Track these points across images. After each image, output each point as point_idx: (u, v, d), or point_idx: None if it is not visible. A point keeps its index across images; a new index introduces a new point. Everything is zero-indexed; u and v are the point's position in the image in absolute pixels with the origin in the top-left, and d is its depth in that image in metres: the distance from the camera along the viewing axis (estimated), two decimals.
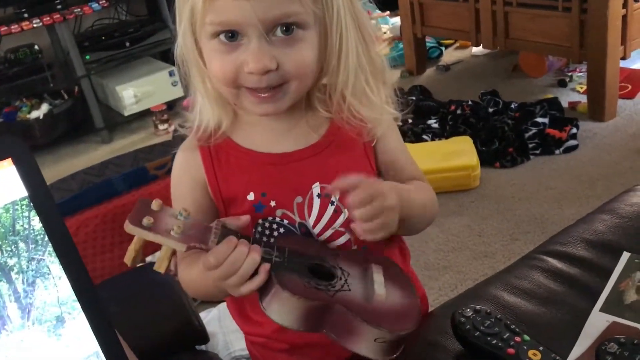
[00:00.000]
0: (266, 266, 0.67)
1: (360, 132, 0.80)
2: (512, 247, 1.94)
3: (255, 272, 0.67)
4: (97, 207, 1.90)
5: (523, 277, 0.88)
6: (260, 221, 0.77)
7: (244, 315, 0.86)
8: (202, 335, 1.15)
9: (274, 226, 0.77)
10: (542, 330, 0.78)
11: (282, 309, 0.67)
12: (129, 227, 0.65)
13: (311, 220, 0.79)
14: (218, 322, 1.66)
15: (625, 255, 0.87)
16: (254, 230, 0.77)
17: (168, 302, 1.16)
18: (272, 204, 0.77)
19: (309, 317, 0.68)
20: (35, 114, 3.05)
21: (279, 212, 0.78)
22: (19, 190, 0.65)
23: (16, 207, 0.65)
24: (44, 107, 3.08)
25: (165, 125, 3.18)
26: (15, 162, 0.65)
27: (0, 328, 0.63)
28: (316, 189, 0.78)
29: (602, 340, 0.73)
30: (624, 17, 2.36)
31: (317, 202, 0.78)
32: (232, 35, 0.69)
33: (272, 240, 0.75)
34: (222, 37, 0.69)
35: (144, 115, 3.28)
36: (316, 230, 0.79)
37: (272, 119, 0.78)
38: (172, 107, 3.33)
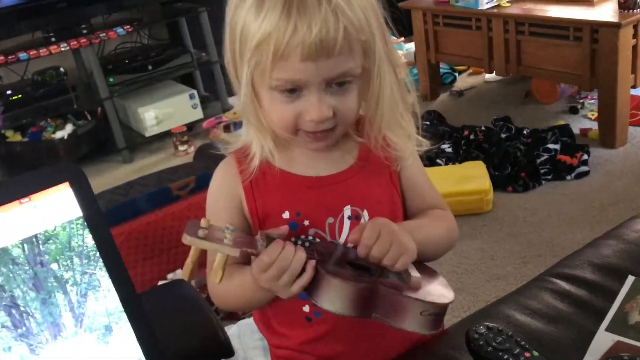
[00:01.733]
0: (312, 262, 0.74)
1: (389, 158, 0.87)
2: (523, 270, 1.98)
3: (302, 272, 0.74)
4: (122, 225, 1.98)
5: (533, 297, 0.94)
6: (293, 239, 0.83)
7: (270, 328, 0.92)
8: (228, 349, 1.21)
9: (306, 244, 0.83)
10: (550, 348, 0.83)
11: (334, 297, 0.73)
12: (187, 239, 0.71)
13: (341, 240, 0.85)
14: (238, 338, 1.72)
15: (630, 279, 0.93)
16: None
17: (195, 316, 1.22)
18: (306, 223, 0.84)
19: (359, 300, 0.73)
20: (59, 134, 3.14)
21: (311, 231, 0.84)
22: (74, 210, 0.72)
23: (72, 226, 0.72)
24: (68, 128, 3.18)
25: (185, 146, 3.27)
26: (72, 186, 0.72)
27: (57, 334, 0.70)
28: (347, 211, 0.85)
29: (607, 358, 0.78)
30: (634, 47, 2.43)
31: (347, 223, 0.85)
32: (293, 89, 0.76)
33: (307, 244, 0.82)
34: (283, 89, 0.77)
35: (164, 136, 3.38)
36: None
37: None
38: (192, 129, 3.43)
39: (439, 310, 0.76)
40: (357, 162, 0.87)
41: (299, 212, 0.84)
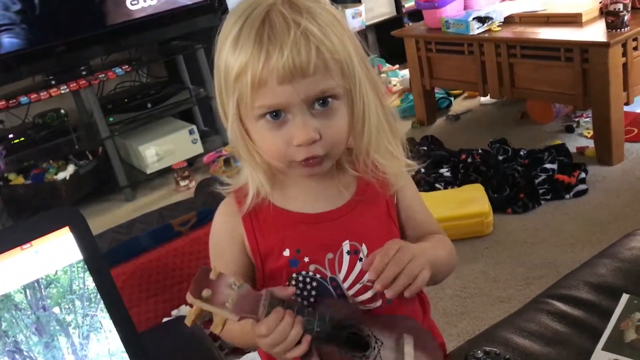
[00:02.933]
0: (308, 338, 0.75)
1: (384, 185, 0.89)
2: (527, 292, 1.98)
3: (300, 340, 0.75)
4: (126, 263, 1.99)
5: (530, 319, 0.95)
6: (294, 275, 0.86)
7: None
8: None
9: (307, 280, 0.85)
10: None
11: None
12: (190, 298, 0.72)
13: (341, 276, 0.86)
14: None
15: (625, 297, 0.94)
16: (288, 283, 0.85)
17: (198, 353, 1.23)
18: (306, 259, 0.85)
19: None
20: (61, 175, 3.17)
21: (312, 267, 0.86)
22: (75, 254, 0.74)
23: (73, 269, 0.74)
24: (70, 168, 3.21)
25: (187, 182, 3.29)
26: (72, 230, 0.74)
27: None
28: (346, 246, 0.86)
29: None
30: (625, 65, 2.46)
31: (346, 258, 0.86)
32: (277, 114, 0.78)
33: (311, 301, 0.83)
34: (268, 117, 0.78)
35: (166, 172, 3.41)
36: (346, 284, 0.87)
37: (307, 181, 0.87)
38: (193, 164, 3.46)
39: None
40: (354, 197, 0.88)
41: (299, 249, 0.85)
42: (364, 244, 0.86)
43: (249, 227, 0.87)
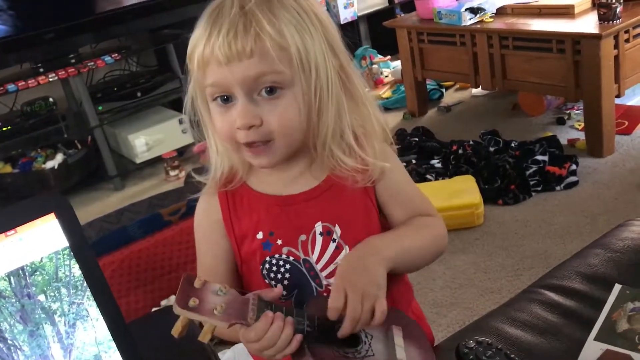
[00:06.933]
0: (298, 337, 0.74)
1: (355, 180, 0.86)
2: (517, 283, 1.99)
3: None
4: (114, 253, 1.97)
5: (522, 310, 0.95)
6: (267, 258, 0.86)
7: None
8: None
9: (281, 262, 0.86)
10: (540, 359, 0.84)
11: None
12: (177, 309, 0.71)
13: (314, 257, 0.86)
14: None
15: (617, 287, 0.93)
16: (261, 267, 0.85)
17: (188, 343, 1.21)
18: (279, 242, 0.85)
19: None
20: (50, 164, 3.14)
21: (285, 250, 0.86)
22: (60, 241, 0.73)
23: (59, 256, 0.72)
24: (59, 157, 3.18)
25: (176, 171, 3.27)
26: (58, 216, 0.72)
27: None
28: (318, 227, 0.86)
29: None
30: (616, 57, 2.46)
31: (319, 239, 0.86)
32: (226, 98, 0.79)
33: (285, 284, 0.83)
34: (219, 100, 0.80)
35: (155, 162, 3.38)
36: (319, 265, 0.86)
37: (281, 168, 0.86)
38: (183, 154, 3.43)
39: None
40: (328, 178, 0.87)
41: (272, 231, 0.86)
42: (337, 225, 0.86)
43: (225, 210, 0.88)
